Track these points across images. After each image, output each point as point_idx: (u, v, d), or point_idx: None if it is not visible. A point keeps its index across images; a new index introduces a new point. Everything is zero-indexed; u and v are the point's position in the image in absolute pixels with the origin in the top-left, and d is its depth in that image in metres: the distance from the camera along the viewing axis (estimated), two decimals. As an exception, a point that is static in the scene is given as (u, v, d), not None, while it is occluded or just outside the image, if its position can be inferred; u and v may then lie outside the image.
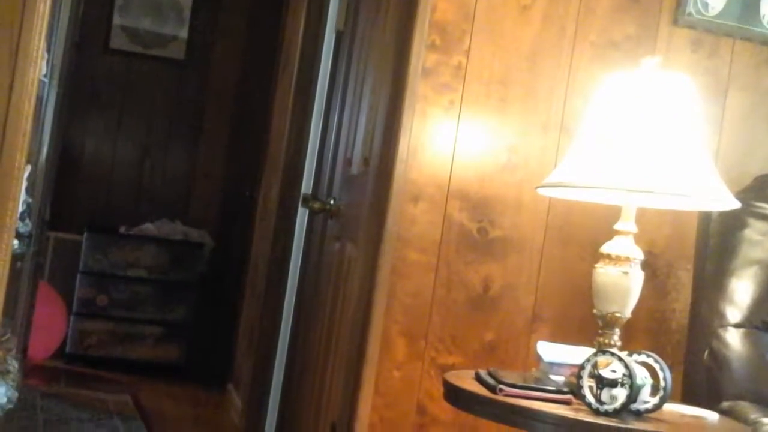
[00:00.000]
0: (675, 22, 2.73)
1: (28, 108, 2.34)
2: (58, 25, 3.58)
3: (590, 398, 1.99)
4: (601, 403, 1.98)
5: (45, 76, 3.34)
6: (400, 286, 2.59)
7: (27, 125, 2.34)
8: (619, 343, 2.13)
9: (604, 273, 2.14)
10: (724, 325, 2.46)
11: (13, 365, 3.43)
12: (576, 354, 2.14)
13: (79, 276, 5.41)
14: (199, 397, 5.13)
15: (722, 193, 2.11)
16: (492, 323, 2.64)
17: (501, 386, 2.04)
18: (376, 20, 3.03)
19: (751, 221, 2.52)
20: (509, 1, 2.64)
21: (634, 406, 2.00)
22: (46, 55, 3.07)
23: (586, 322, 2.37)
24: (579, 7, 2.68)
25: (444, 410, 2.53)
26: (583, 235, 2.64)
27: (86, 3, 4.74)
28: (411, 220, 2.59)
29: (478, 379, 2.15)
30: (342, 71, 3.53)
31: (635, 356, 2.08)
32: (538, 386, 2.07)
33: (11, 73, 2.30)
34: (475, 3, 2.62)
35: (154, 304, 5.49)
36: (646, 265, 2.21)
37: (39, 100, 3.09)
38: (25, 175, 2.76)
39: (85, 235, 5.44)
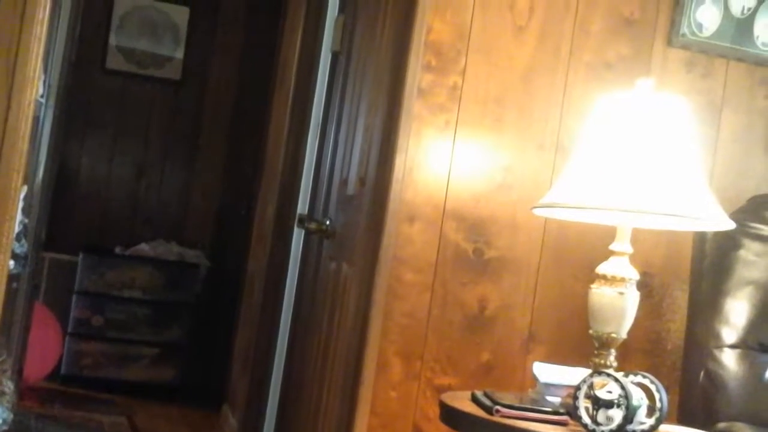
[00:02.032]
0: (669, 42, 2.74)
1: (25, 128, 2.34)
2: (54, 45, 3.59)
3: (586, 419, 1.99)
4: (598, 424, 1.98)
5: (42, 96, 3.34)
6: (395, 307, 2.58)
7: (24, 146, 2.34)
8: (615, 364, 2.13)
9: (599, 293, 2.14)
10: (720, 345, 2.46)
11: (9, 387, 3.42)
12: (572, 375, 2.14)
13: (74, 296, 5.40)
14: (194, 418, 5.11)
15: (717, 213, 2.11)
16: (488, 344, 2.64)
17: (497, 407, 2.04)
18: (371, 41, 3.04)
19: (746, 242, 2.52)
20: (504, 22, 2.65)
21: (630, 427, 2.00)
22: (43, 76, 3.08)
23: (582, 343, 2.36)
24: (573, 27, 2.69)
25: (440, 431, 2.52)
26: (579, 256, 2.64)
27: (83, 23, 4.75)
28: (407, 241, 2.59)
29: (475, 400, 2.15)
30: (338, 92, 3.54)
31: (631, 377, 2.08)
32: (535, 407, 2.07)
33: (8, 93, 2.31)
34: (471, 23, 2.63)
35: (150, 325, 5.48)
36: (641, 286, 2.21)
37: (36, 120, 3.10)
38: (22, 195, 2.76)
39: (80, 255, 5.43)
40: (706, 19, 2.76)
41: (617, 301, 2.12)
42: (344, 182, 3.14)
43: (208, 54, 5.98)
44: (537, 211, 2.33)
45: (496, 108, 2.65)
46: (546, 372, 2.20)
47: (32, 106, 2.37)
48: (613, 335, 2.13)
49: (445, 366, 2.61)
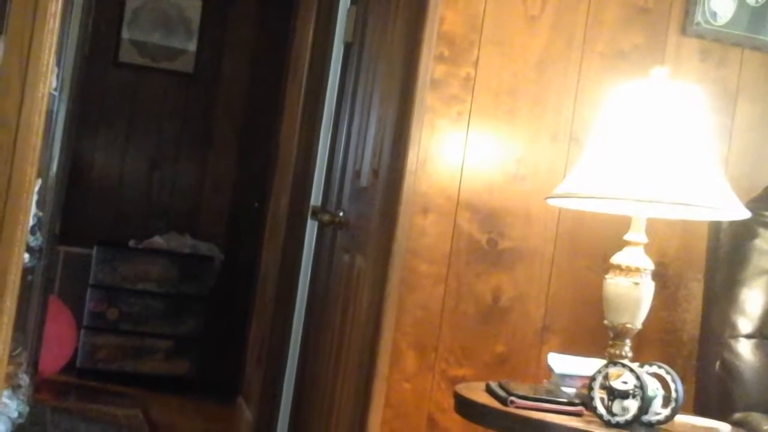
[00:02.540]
0: (683, 31, 2.73)
1: (39, 122, 2.35)
2: (67, 39, 3.60)
3: (602, 410, 1.99)
4: (613, 414, 1.97)
5: (55, 89, 3.35)
6: (409, 298, 2.58)
7: (37, 139, 2.35)
8: (630, 354, 2.13)
9: (614, 284, 2.13)
10: (736, 335, 2.45)
11: (24, 380, 3.44)
12: (587, 365, 2.14)
13: (89, 290, 5.42)
14: (209, 410, 5.13)
15: (732, 202, 2.10)
16: (502, 335, 2.63)
17: (512, 398, 2.04)
18: (384, 32, 3.04)
19: (762, 231, 2.51)
20: (517, 12, 2.64)
21: (645, 418, 2.00)
22: (56, 69, 3.08)
23: (596, 333, 2.36)
24: (587, 17, 2.68)
25: (455, 422, 2.52)
26: (593, 246, 2.64)
27: (95, 17, 4.76)
28: (420, 232, 2.59)
29: (489, 391, 2.15)
30: (350, 83, 3.53)
31: (646, 367, 2.07)
32: (550, 398, 2.06)
33: (22, 87, 2.31)
34: (483, 14, 2.62)
35: (164, 318, 5.49)
36: (656, 276, 2.20)
37: (49, 114, 3.11)
38: (36, 188, 2.77)
39: (95, 248, 5.45)
40: (721, 7, 2.74)
41: (632, 292, 2.12)
42: (357, 174, 3.14)
43: (221, 47, 5.99)
44: (551, 202, 2.32)
45: (509, 99, 2.64)
46: (561, 363, 2.19)
47: (46, 99, 2.37)
48: (628, 325, 2.12)
49: (460, 357, 2.61)
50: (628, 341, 2.13)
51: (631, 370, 1.99)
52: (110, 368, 5.40)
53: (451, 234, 2.61)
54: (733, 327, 2.45)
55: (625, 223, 2.19)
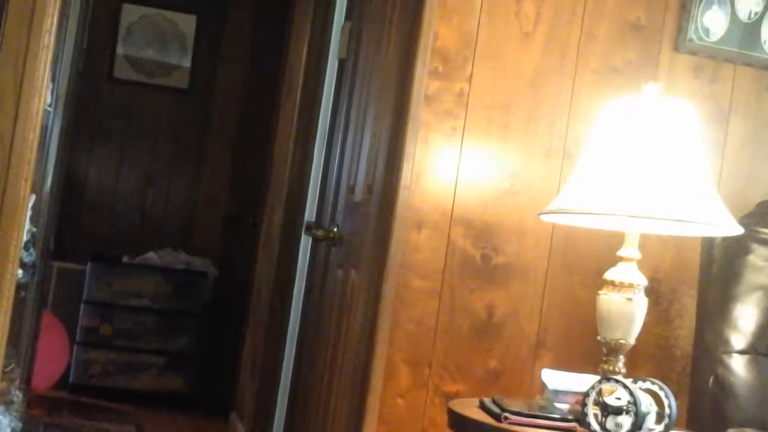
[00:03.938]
0: (676, 48, 2.74)
1: (33, 138, 2.35)
2: (62, 55, 3.60)
3: (595, 426, 1.98)
4: (606, 430, 1.97)
5: (50, 105, 3.35)
6: (403, 313, 2.58)
7: (32, 155, 2.35)
8: (623, 370, 2.13)
9: (607, 299, 2.13)
10: (729, 351, 2.45)
11: (17, 396, 3.42)
12: (581, 381, 2.14)
13: (82, 306, 5.40)
14: (202, 426, 5.11)
15: (725, 218, 2.11)
16: (496, 350, 2.63)
17: (506, 414, 2.04)
18: (378, 48, 3.04)
19: (755, 247, 2.51)
20: (511, 28, 2.65)
21: (639, 434, 2.00)
22: (50, 85, 3.08)
23: (590, 349, 2.36)
24: (580, 33, 2.69)
25: (448, 438, 2.52)
26: (587, 262, 2.64)
27: (90, 32, 4.76)
28: (414, 247, 2.59)
29: (483, 407, 2.15)
30: (344, 99, 3.54)
31: (640, 383, 2.07)
32: (543, 414, 2.06)
33: (16, 103, 2.31)
34: (477, 30, 2.63)
35: (158, 334, 5.48)
36: (649, 292, 2.20)
37: (44, 129, 3.10)
38: (30, 204, 2.77)
39: (88, 264, 5.44)
40: (713, 24, 2.75)
41: (625, 307, 2.12)
42: (351, 189, 3.14)
43: (215, 62, 6.00)
44: (544, 217, 2.32)
45: (503, 114, 2.65)
46: (554, 378, 2.19)
47: (40, 115, 2.37)
48: (622, 341, 2.12)
49: (453, 373, 2.61)
50: (621, 357, 2.13)
51: (625, 386, 1.99)
52: (103, 384, 5.38)
53: (445, 249, 2.61)
54: (727, 343, 2.45)
55: (618, 239, 2.19)
